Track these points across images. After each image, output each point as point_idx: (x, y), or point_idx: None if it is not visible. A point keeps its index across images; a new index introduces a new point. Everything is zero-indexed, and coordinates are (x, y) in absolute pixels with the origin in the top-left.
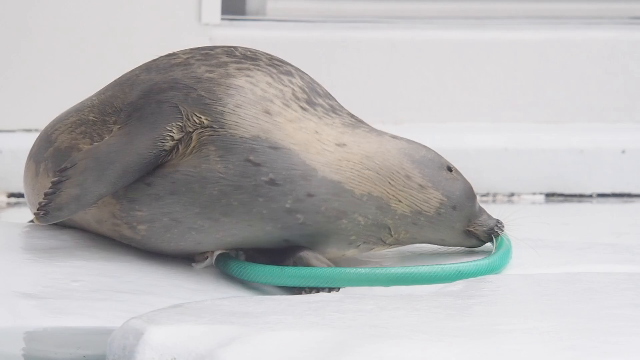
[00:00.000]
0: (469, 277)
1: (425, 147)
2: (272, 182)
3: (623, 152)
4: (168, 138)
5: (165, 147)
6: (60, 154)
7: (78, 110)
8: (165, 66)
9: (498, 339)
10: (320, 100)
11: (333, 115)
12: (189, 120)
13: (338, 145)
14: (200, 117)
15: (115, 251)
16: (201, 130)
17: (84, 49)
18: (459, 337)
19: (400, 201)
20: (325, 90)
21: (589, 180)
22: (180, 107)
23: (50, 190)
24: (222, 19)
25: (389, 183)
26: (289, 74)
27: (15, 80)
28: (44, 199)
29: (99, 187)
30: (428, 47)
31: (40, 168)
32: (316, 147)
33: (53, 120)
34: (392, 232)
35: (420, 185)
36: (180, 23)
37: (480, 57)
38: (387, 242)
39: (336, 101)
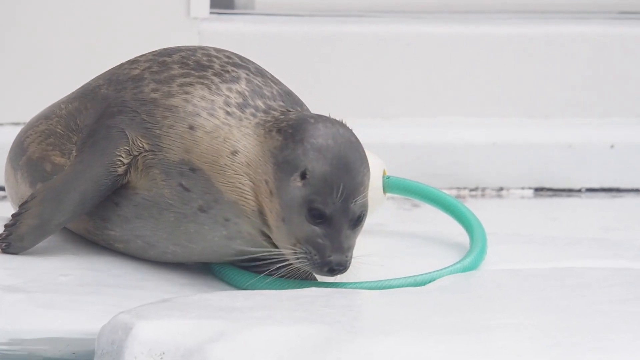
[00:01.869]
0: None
1: (301, 143)
2: (201, 208)
3: (612, 146)
4: (118, 163)
5: (118, 172)
6: (32, 165)
7: (47, 117)
8: (123, 80)
9: (486, 334)
10: (259, 102)
11: (259, 115)
12: (134, 144)
13: (232, 154)
14: (142, 141)
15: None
16: (145, 153)
17: (72, 42)
18: (447, 333)
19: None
20: (283, 90)
21: (578, 175)
22: (126, 132)
23: (10, 222)
24: (211, 12)
25: (262, 193)
26: (234, 80)
27: (2, 72)
28: (4, 231)
29: (58, 216)
30: (416, 42)
31: (17, 176)
32: (220, 162)
33: (26, 125)
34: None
35: (270, 192)
36: (168, 17)
37: (468, 51)
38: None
39: (289, 100)
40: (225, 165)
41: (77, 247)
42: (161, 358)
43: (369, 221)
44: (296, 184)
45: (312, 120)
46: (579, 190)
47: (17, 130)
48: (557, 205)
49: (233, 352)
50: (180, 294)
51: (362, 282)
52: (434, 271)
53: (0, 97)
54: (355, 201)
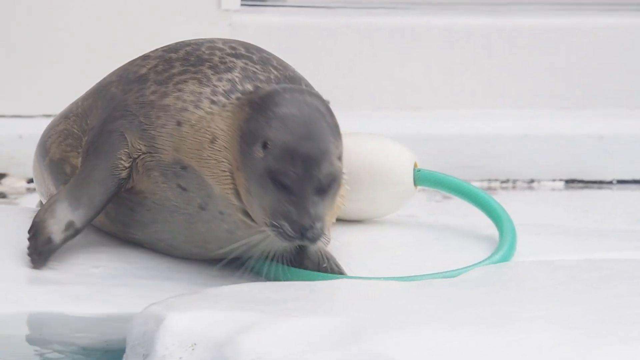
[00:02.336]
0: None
1: (264, 112)
2: (201, 206)
3: None
4: (120, 166)
5: (121, 176)
6: (54, 166)
7: (66, 117)
8: (131, 79)
9: (516, 326)
10: (248, 86)
11: (244, 97)
12: (132, 146)
13: (212, 142)
14: (140, 143)
15: None
16: (143, 156)
17: (102, 34)
18: (477, 325)
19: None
20: (285, 75)
21: (609, 167)
22: (125, 135)
23: (30, 234)
24: (242, 4)
25: (234, 172)
26: (227, 70)
27: (34, 65)
28: (28, 246)
29: (71, 216)
30: (447, 33)
31: (44, 175)
32: (203, 155)
33: (49, 124)
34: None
35: (237, 167)
36: (200, 9)
37: (500, 43)
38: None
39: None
40: (208, 156)
41: (108, 240)
42: (192, 349)
43: (399, 213)
44: (258, 154)
45: (281, 90)
46: (610, 182)
47: (49, 122)
48: (588, 197)
49: (264, 343)
50: (211, 286)
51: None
52: (463, 268)
53: (32, 89)
54: (320, 169)
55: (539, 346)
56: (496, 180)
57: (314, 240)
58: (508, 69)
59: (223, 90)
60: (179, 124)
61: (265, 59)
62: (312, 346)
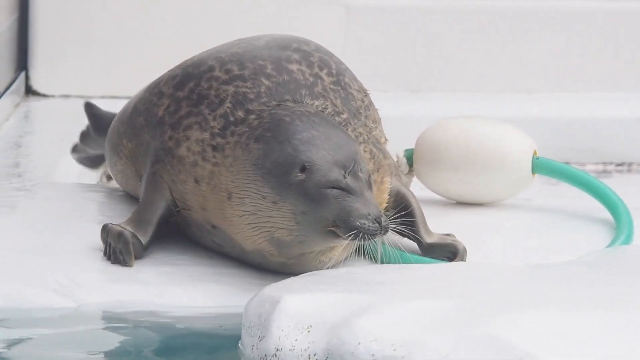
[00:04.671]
0: None
1: (287, 142)
2: (240, 257)
3: None
4: (173, 206)
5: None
6: (133, 155)
7: (118, 155)
8: (154, 123)
9: (632, 309)
10: (239, 113)
11: (237, 129)
12: (172, 197)
13: (228, 198)
14: (175, 198)
15: None
16: (183, 210)
17: (197, 18)
18: (592, 308)
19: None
20: (277, 82)
21: None
22: (166, 182)
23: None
24: None
25: (263, 212)
26: (220, 103)
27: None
28: (112, 259)
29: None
30: (559, 15)
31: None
32: (227, 214)
33: (106, 153)
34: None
35: (273, 202)
36: None
37: (613, 25)
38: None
39: (279, 93)
40: (231, 215)
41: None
42: (308, 331)
43: (515, 197)
44: (299, 178)
45: (288, 119)
46: None
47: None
48: None
49: (379, 325)
50: (326, 268)
51: None
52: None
53: (120, 71)
54: (361, 168)
55: None
56: (611, 163)
57: (387, 229)
58: (622, 52)
59: (218, 129)
60: (196, 181)
61: (257, 71)
62: (427, 328)
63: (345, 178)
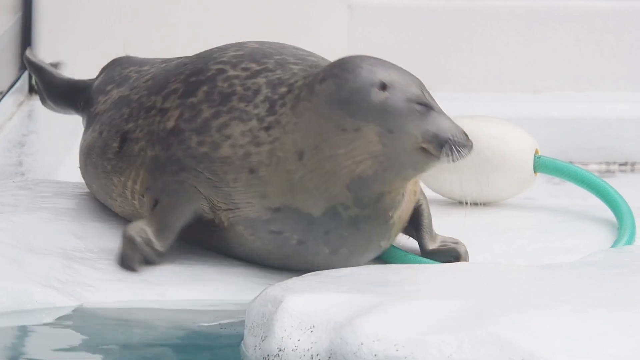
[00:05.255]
0: None
1: (356, 70)
2: (300, 242)
3: None
4: (203, 213)
5: (205, 218)
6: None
7: (111, 198)
8: (163, 136)
9: (637, 309)
10: (282, 89)
11: (287, 97)
12: (212, 202)
13: (299, 159)
14: (219, 201)
15: None
16: (225, 212)
17: (200, 18)
18: (600, 307)
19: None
20: (302, 68)
21: None
22: (199, 189)
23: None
24: None
25: (340, 144)
26: (256, 93)
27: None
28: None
29: (156, 242)
30: (566, 15)
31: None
32: (294, 180)
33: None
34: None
35: (355, 129)
36: None
37: (620, 25)
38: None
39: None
40: (302, 177)
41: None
42: (311, 331)
43: (518, 196)
44: (383, 95)
45: (346, 59)
46: None
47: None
48: None
49: (383, 325)
50: (329, 268)
51: None
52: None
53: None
54: (429, 91)
55: None
56: (614, 163)
57: (472, 143)
58: (626, 52)
59: (265, 112)
60: (251, 172)
61: (281, 62)
62: (432, 328)
63: (424, 94)
